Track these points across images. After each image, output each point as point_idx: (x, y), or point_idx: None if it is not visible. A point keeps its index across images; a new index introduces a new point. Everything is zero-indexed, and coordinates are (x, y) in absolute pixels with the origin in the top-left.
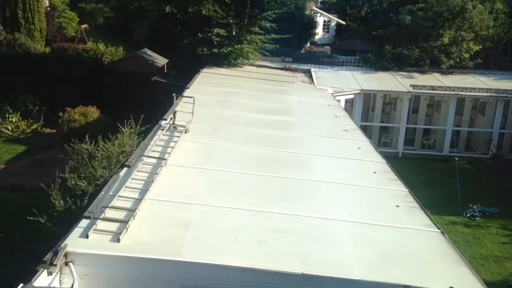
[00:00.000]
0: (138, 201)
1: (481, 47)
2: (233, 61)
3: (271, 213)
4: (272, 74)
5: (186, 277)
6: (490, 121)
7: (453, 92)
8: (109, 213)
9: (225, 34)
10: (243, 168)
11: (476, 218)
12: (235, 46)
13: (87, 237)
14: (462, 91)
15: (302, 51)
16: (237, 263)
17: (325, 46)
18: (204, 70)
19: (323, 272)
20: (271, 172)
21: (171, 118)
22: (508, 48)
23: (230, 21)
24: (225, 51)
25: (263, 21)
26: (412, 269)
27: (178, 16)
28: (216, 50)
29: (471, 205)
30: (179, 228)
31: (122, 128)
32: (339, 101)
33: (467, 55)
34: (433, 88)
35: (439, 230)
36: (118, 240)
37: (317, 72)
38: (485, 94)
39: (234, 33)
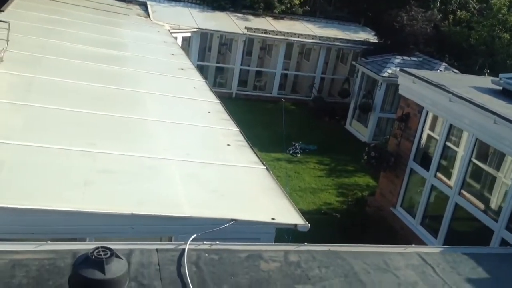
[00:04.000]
0: None
1: None
2: None
3: (99, 153)
4: (104, 3)
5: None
6: (314, 66)
7: (283, 37)
8: None
9: None
10: (69, 104)
11: (298, 155)
12: None
13: None
14: (291, 36)
15: None
16: (59, 206)
17: None
18: None
19: (154, 212)
20: (101, 110)
21: None
22: None
23: None
24: None
25: None
26: (240, 204)
27: None
28: None
29: (293, 143)
30: None
31: None
32: (176, 38)
33: (297, 2)
34: (266, 31)
35: (265, 167)
36: None
37: (154, 6)
38: (310, 40)
39: None
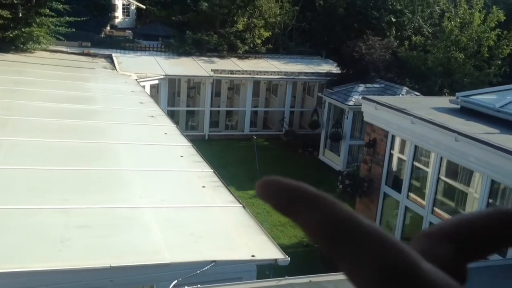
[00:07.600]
0: None
1: (271, 33)
2: (21, 46)
3: (74, 208)
4: (69, 59)
5: None
6: (282, 101)
7: (249, 76)
8: None
9: (10, 16)
10: (40, 163)
11: None
12: (23, 30)
13: None
14: (257, 74)
15: (102, 35)
16: (36, 267)
17: (127, 31)
18: None
19: (133, 262)
20: (72, 165)
21: None
22: (293, 34)
23: (15, 1)
24: (10, 35)
25: (53, 2)
26: (219, 245)
27: None
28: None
29: None
30: None
31: None
32: (144, 87)
33: (259, 41)
34: (232, 72)
35: (241, 205)
36: None
37: (119, 57)
38: (276, 76)
39: (20, 15)
